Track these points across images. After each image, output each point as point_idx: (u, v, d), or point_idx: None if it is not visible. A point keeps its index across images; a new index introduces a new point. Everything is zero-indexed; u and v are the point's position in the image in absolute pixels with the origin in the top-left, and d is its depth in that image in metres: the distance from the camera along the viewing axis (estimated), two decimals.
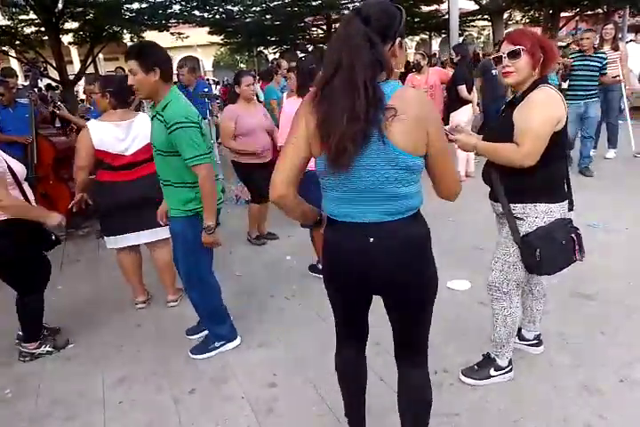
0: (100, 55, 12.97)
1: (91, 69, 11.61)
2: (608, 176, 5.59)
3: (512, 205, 2.08)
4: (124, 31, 10.96)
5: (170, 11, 11.07)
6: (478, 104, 6.70)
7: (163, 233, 3.04)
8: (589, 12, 16.38)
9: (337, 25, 17.56)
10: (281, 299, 3.34)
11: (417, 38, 25.41)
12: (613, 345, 2.53)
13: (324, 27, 17.69)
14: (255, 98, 7.53)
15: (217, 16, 14.21)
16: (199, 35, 16.71)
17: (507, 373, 2.33)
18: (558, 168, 2.09)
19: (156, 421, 2.27)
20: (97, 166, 3.10)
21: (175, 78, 6.96)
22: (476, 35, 26.83)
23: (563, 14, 15.44)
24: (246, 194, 4.84)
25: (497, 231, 2.32)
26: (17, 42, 9.99)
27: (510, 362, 2.34)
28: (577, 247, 2.10)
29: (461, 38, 15.73)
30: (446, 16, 11.09)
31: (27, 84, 6.06)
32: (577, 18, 17.10)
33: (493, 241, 2.29)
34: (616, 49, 5.80)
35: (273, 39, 18.03)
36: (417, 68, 6.19)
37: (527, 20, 17.87)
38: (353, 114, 1.30)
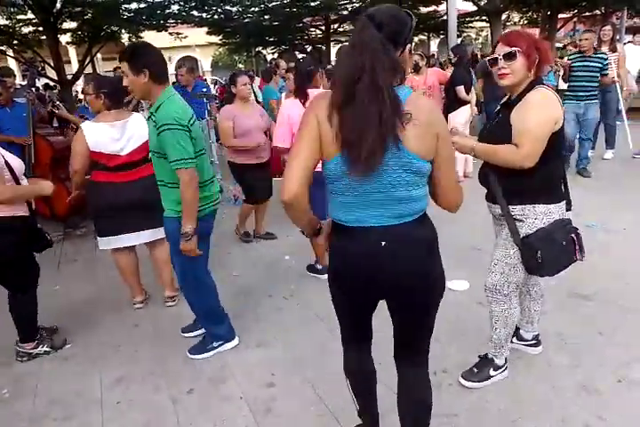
0: (99, 55, 12.99)
1: (89, 69, 11.58)
2: (606, 177, 5.61)
3: (511, 207, 2.07)
4: (123, 31, 10.94)
5: (168, 11, 11.05)
6: (481, 104, 6.71)
7: (162, 232, 3.03)
8: (587, 14, 16.42)
9: (335, 26, 17.67)
10: (279, 299, 3.34)
11: (415, 39, 25.41)
12: (611, 345, 2.53)
13: (323, 27, 17.70)
14: (253, 98, 7.56)
15: (215, 16, 14.21)
16: (198, 35, 16.71)
17: (504, 371, 2.34)
18: (556, 168, 2.09)
19: (153, 421, 2.26)
20: (92, 167, 3.08)
21: (174, 78, 6.98)
22: (474, 36, 26.86)
23: (561, 15, 15.46)
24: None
25: (494, 233, 2.32)
26: (15, 41, 9.95)
27: (506, 360, 2.35)
28: (577, 247, 2.10)
29: (459, 39, 15.74)
30: (444, 17, 11.11)
31: (24, 83, 6.04)
32: (575, 19, 17.12)
33: (492, 242, 2.29)
34: (614, 50, 5.81)
35: (271, 40, 18.03)
36: (415, 69, 6.20)
37: (525, 22, 17.90)
38: (381, 118, 1.31)
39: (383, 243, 1.45)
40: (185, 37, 12.43)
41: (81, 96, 9.99)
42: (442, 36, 19.89)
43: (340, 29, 18.18)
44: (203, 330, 2.85)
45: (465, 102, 5.70)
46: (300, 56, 19.48)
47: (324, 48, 18.48)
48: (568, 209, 2.19)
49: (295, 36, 18.38)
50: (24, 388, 2.56)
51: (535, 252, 2.01)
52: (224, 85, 13.70)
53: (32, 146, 4.66)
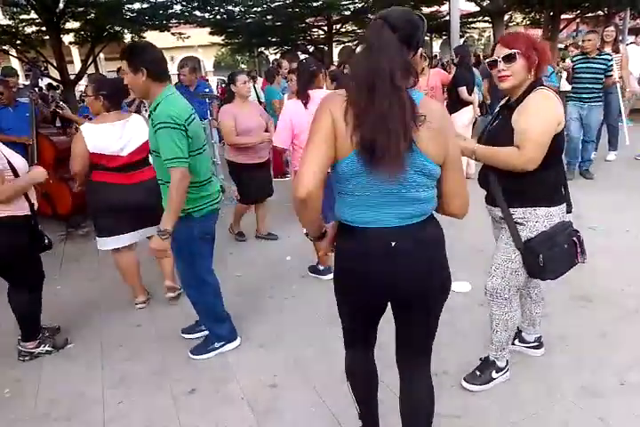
0: (101, 55, 12.97)
1: (91, 69, 11.61)
2: (609, 178, 5.59)
3: (511, 210, 2.06)
4: (125, 31, 10.96)
5: (171, 11, 11.08)
6: (486, 105, 6.69)
7: None
8: (590, 15, 16.40)
9: (337, 26, 17.65)
10: (281, 299, 3.34)
11: None
12: (614, 348, 2.52)
13: (325, 28, 17.67)
14: (255, 98, 7.57)
15: (218, 16, 14.21)
16: (200, 35, 16.71)
17: (506, 372, 2.34)
18: (557, 171, 2.08)
19: (155, 421, 2.26)
20: (92, 168, 3.09)
21: (176, 78, 6.99)
22: (476, 36, 26.85)
23: (563, 16, 15.43)
24: None
25: (494, 236, 2.31)
26: (18, 41, 9.98)
27: (507, 362, 2.35)
28: (578, 250, 2.09)
29: (462, 40, 15.73)
30: (447, 17, 11.10)
31: (27, 83, 6.07)
32: (578, 20, 17.10)
33: (493, 243, 2.28)
34: (617, 51, 5.78)
35: (274, 40, 18.01)
36: None
37: (528, 22, 17.88)
38: (404, 119, 1.31)
39: (393, 243, 1.44)
40: (187, 37, 12.45)
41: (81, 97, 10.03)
42: (444, 37, 19.88)
43: (343, 30, 18.17)
44: (203, 333, 2.85)
45: (467, 103, 5.70)
46: (302, 56, 19.50)
47: (326, 48, 18.47)
48: (569, 211, 2.17)
49: (297, 36, 18.35)
50: (25, 387, 2.56)
51: (537, 256, 1.99)
52: (223, 86, 13.71)
53: (35, 146, 4.67)
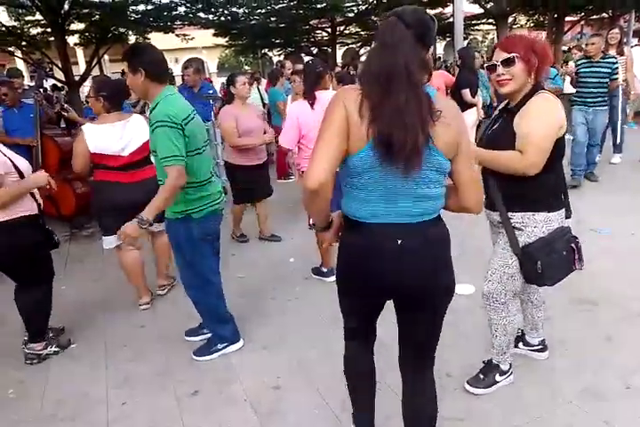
0: (106, 56, 13.05)
1: (96, 71, 11.65)
2: (613, 181, 5.57)
3: (510, 214, 2.04)
4: (130, 33, 11.01)
5: (175, 12, 11.09)
6: (494, 108, 6.69)
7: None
8: (594, 17, 16.38)
9: (341, 28, 17.67)
10: (284, 301, 3.34)
11: None
12: (618, 351, 2.51)
13: (329, 29, 17.69)
14: (260, 100, 7.58)
15: (222, 18, 14.24)
16: (204, 37, 16.76)
17: (509, 375, 2.33)
18: (557, 175, 2.06)
19: (159, 422, 2.27)
20: (95, 168, 3.13)
21: (180, 79, 7.00)
22: (480, 38, 26.84)
23: (567, 18, 15.43)
24: None
25: (492, 241, 2.30)
26: (23, 42, 10.02)
27: (511, 365, 2.34)
28: (577, 257, 2.07)
29: (466, 42, 15.71)
30: (451, 19, 11.09)
31: (32, 84, 6.10)
32: (582, 22, 17.08)
33: None
34: (621, 54, 5.75)
35: (278, 41, 18.03)
36: None
37: (532, 24, 17.87)
38: (421, 114, 1.32)
39: (399, 241, 1.44)
40: (191, 39, 12.49)
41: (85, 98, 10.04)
42: (448, 39, 19.86)
43: (346, 32, 18.20)
44: (206, 335, 2.85)
45: (471, 105, 5.69)
46: (306, 58, 19.53)
47: (329, 50, 18.49)
48: (567, 217, 2.15)
49: (301, 38, 18.38)
50: (30, 388, 2.57)
51: (535, 262, 1.98)
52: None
53: (39, 147, 4.68)
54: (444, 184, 1.48)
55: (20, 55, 10.51)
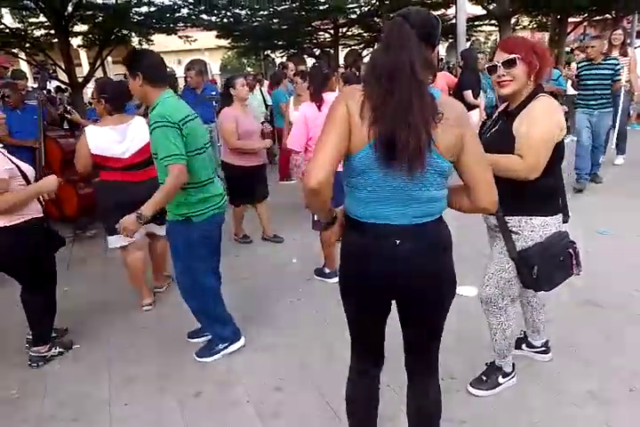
0: (109, 58, 13.05)
1: (99, 72, 11.68)
2: (617, 182, 5.56)
3: (506, 218, 2.02)
4: (133, 34, 11.03)
5: (178, 14, 11.11)
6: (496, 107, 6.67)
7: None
8: (598, 18, 16.33)
9: (344, 29, 17.68)
10: (287, 302, 3.34)
11: None
12: (622, 354, 2.50)
13: (332, 31, 17.70)
14: (263, 101, 7.59)
15: (224, 20, 14.28)
16: (207, 38, 16.78)
17: (512, 377, 2.32)
18: (555, 179, 2.04)
19: (161, 423, 2.27)
20: (100, 168, 3.16)
21: (183, 81, 7.02)
22: (483, 40, 26.81)
23: (570, 20, 15.39)
24: None
25: (489, 245, 2.29)
26: (27, 44, 10.06)
27: (514, 366, 2.33)
28: (574, 262, 2.06)
29: (468, 43, 15.70)
30: (453, 20, 11.09)
31: (36, 86, 6.13)
32: (585, 23, 17.03)
33: None
34: (625, 55, 5.75)
35: (280, 43, 18.05)
36: None
37: (535, 26, 17.83)
38: (424, 114, 1.31)
39: (397, 242, 1.44)
40: (194, 41, 12.50)
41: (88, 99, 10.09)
42: (450, 40, 19.86)
43: (349, 33, 18.20)
44: (209, 336, 2.84)
45: (473, 107, 5.68)
46: (308, 60, 19.56)
47: (332, 52, 18.50)
48: (565, 221, 2.13)
49: (304, 39, 18.40)
50: (33, 389, 2.58)
51: (531, 267, 1.97)
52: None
53: (42, 149, 4.70)
54: (444, 186, 1.47)
55: (24, 57, 10.54)
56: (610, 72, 5.15)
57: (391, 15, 1.44)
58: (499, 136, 2.02)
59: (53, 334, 2.90)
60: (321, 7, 15.16)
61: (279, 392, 2.41)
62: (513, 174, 1.92)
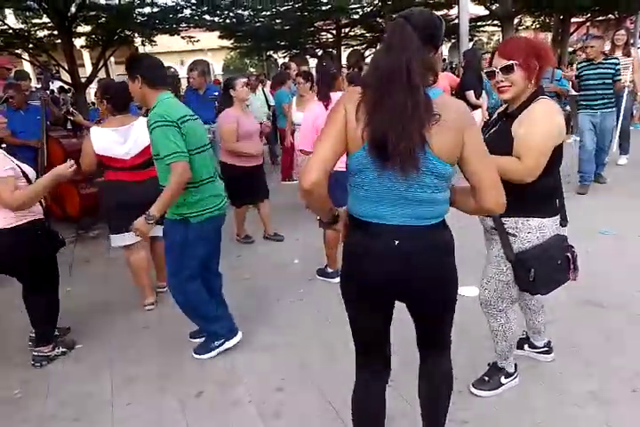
0: (112, 59, 13.09)
1: (102, 73, 11.73)
2: (620, 183, 5.54)
3: (503, 219, 2.01)
4: (136, 35, 11.05)
5: (181, 15, 11.13)
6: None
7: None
8: (600, 18, 16.29)
9: (346, 30, 17.68)
10: (288, 302, 3.34)
11: None
12: (624, 354, 2.50)
13: (334, 31, 17.71)
14: (265, 102, 7.59)
15: (227, 20, 14.29)
16: (210, 39, 16.82)
17: (515, 378, 2.32)
18: (553, 181, 2.03)
19: (162, 423, 2.27)
20: (104, 168, 3.19)
21: (186, 82, 7.02)
22: (485, 40, 26.78)
23: (573, 20, 15.35)
24: None
25: (485, 247, 2.28)
26: (30, 45, 10.10)
27: (516, 367, 2.33)
28: (572, 266, 2.05)
29: (471, 43, 15.67)
30: (456, 21, 11.08)
31: (39, 86, 6.14)
32: (588, 24, 16.99)
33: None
34: (628, 55, 5.72)
35: (282, 44, 18.06)
36: None
37: (537, 26, 17.79)
38: (417, 117, 1.31)
39: (396, 242, 1.44)
40: (197, 41, 12.52)
41: (91, 99, 10.14)
42: (453, 41, 19.84)
43: (352, 34, 18.20)
44: None
45: (475, 107, 5.68)
46: (311, 60, 19.55)
47: (334, 52, 18.51)
48: (563, 225, 2.11)
49: (306, 40, 18.40)
50: (35, 389, 2.58)
51: (528, 270, 1.95)
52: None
53: (45, 149, 4.71)
54: (444, 189, 1.46)
55: (27, 58, 10.58)
56: (611, 71, 5.11)
57: (393, 16, 1.44)
58: (497, 137, 2.01)
59: (56, 333, 2.91)
60: (323, 8, 15.18)
61: (280, 392, 2.41)
62: (510, 176, 1.87)
